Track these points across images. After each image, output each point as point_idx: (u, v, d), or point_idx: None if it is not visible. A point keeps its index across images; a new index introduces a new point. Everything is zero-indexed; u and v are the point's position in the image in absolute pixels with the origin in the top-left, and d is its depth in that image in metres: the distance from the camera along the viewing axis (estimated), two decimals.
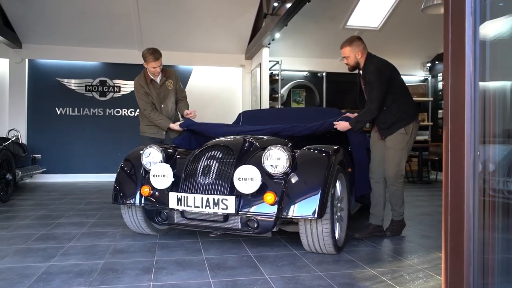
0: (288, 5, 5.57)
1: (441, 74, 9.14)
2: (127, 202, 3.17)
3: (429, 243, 3.30)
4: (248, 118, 4.62)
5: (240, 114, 4.83)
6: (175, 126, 4.09)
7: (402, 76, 3.49)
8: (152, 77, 4.17)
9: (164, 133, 4.22)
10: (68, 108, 8.21)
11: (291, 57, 8.61)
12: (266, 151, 2.81)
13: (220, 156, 3.00)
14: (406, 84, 3.54)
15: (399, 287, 2.31)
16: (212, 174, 2.91)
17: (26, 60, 8.00)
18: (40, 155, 7.86)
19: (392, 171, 3.36)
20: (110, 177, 8.10)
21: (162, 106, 4.23)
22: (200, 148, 3.15)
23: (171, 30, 7.79)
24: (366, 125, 3.58)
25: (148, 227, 3.38)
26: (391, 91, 3.27)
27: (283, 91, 8.60)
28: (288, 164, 2.74)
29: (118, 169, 3.37)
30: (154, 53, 4.03)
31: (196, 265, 2.66)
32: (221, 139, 3.28)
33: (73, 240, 3.31)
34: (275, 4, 6.09)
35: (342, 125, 3.40)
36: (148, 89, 4.16)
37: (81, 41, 7.87)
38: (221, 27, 7.88)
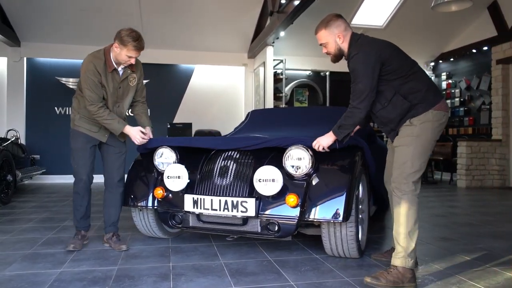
0: (296, 2, 5.45)
1: (444, 73, 9.06)
2: (139, 204, 3.04)
3: (451, 245, 3.19)
4: (257, 117, 4.50)
5: (248, 113, 4.72)
6: (134, 131, 2.98)
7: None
8: (116, 66, 2.96)
9: (106, 135, 3.07)
10: (67, 108, 8.05)
11: (294, 56, 8.51)
12: (287, 151, 2.69)
13: (237, 156, 2.88)
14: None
15: None
16: (230, 175, 2.79)
17: (25, 58, 7.85)
18: (38, 156, 7.68)
19: (395, 174, 2.42)
20: None
21: (118, 106, 3.07)
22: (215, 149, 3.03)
23: (173, 29, 7.65)
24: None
25: (160, 231, 3.25)
26: (389, 79, 2.40)
27: (286, 90, 8.49)
28: (310, 164, 2.62)
29: (129, 170, 3.24)
30: (139, 40, 2.91)
31: (215, 271, 2.53)
32: None
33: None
34: (283, 1, 5.97)
35: (324, 142, 2.57)
36: (106, 80, 2.94)
37: (81, 39, 7.70)
38: (224, 26, 7.76)
